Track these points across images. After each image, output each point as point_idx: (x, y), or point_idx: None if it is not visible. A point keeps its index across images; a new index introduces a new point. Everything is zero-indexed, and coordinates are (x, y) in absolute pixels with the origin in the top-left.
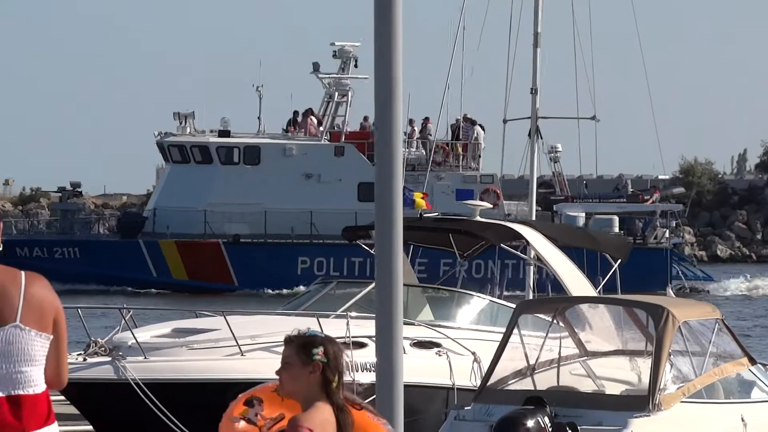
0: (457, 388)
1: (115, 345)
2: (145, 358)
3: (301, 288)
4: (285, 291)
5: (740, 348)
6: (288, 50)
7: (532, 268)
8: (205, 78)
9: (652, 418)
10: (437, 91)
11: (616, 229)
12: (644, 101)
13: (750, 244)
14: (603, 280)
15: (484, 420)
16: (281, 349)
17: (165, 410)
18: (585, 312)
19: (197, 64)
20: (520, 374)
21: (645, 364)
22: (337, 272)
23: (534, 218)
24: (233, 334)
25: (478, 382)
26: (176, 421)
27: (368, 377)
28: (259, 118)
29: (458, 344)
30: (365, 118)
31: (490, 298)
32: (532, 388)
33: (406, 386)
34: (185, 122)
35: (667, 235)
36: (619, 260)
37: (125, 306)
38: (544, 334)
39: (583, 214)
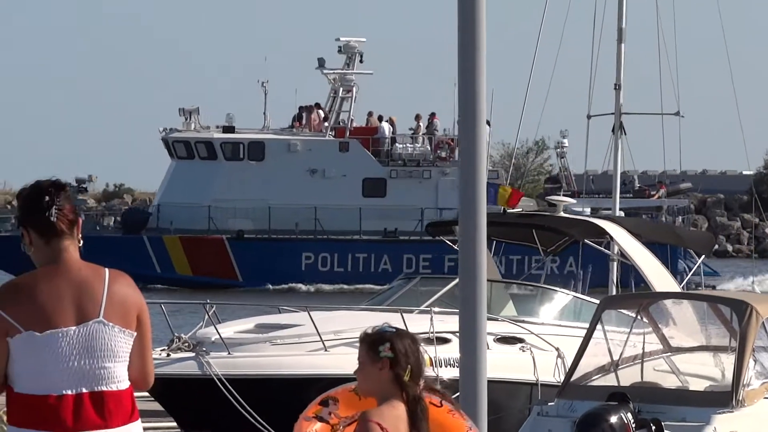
0: (540, 384)
1: (198, 340)
2: (229, 353)
3: (301, 286)
4: (288, 286)
5: None
6: (293, 46)
7: (615, 263)
8: (210, 74)
9: (736, 414)
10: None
11: None
12: (728, 96)
13: None
14: (687, 275)
15: (568, 416)
16: None
17: (247, 406)
18: (669, 308)
19: (204, 60)
20: (603, 370)
21: (728, 360)
22: (341, 268)
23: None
24: (317, 329)
25: (562, 378)
26: (258, 418)
27: (451, 373)
28: (264, 113)
29: (542, 340)
30: (370, 114)
31: (573, 293)
32: (616, 384)
33: (490, 382)
34: (190, 118)
35: None
36: (704, 255)
37: (208, 301)
38: (628, 330)
39: (588, 210)
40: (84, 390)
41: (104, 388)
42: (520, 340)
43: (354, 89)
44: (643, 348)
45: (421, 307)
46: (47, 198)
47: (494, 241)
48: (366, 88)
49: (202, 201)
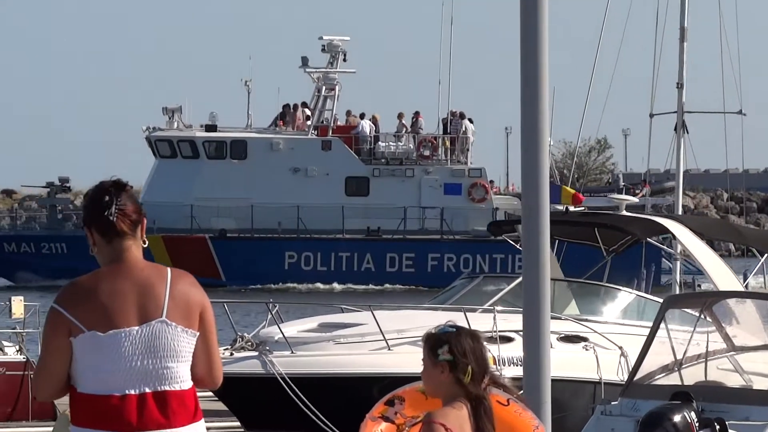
0: (603, 383)
1: (261, 340)
2: (292, 352)
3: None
4: (272, 286)
5: None
6: (277, 45)
7: (678, 262)
8: (194, 73)
9: None
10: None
11: None
12: None
13: None
14: (750, 274)
15: (631, 415)
16: None
17: (311, 405)
18: (732, 306)
19: (187, 59)
20: (667, 369)
21: None
22: (324, 267)
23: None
24: (380, 328)
25: (625, 377)
26: (322, 417)
27: (515, 372)
28: (248, 112)
29: (605, 338)
30: (348, 112)
31: (636, 292)
32: (679, 383)
33: (553, 381)
34: (173, 117)
35: None
36: (766, 254)
37: (271, 300)
38: (692, 329)
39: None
40: (147, 390)
41: (167, 388)
42: (584, 339)
43: (337, 88)
44: (707, 347)
45: (485, 306)
46: (107, 198)
47: (556, 240)
48: (349, 86)
49: (184, 200)
